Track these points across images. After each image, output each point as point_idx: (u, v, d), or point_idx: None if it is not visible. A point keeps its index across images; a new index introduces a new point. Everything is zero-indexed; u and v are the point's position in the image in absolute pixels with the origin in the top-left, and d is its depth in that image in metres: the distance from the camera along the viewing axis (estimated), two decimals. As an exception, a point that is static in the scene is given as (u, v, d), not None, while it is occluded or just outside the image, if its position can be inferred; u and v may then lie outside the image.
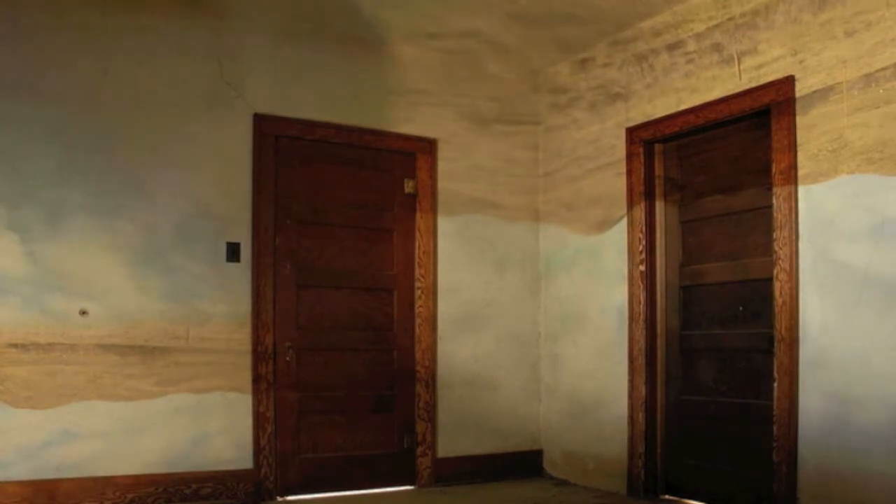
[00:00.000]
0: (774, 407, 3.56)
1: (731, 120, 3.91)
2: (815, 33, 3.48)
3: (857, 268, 3.28)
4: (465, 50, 4.79)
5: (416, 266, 4.74)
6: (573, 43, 4.72)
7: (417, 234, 4.75)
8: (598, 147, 4.70)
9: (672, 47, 4.21)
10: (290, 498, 4.27)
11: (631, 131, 4.45)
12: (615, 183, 4.54)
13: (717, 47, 3.95)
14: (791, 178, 3.54)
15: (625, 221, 4.46)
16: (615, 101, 4.59)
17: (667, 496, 4.26)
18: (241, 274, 4.21)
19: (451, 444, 4.75)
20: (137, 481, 3.89)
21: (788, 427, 3.48)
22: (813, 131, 3.47)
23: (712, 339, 4.08)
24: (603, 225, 4.64)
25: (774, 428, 3.56)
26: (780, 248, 3.58)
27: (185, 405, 4.03)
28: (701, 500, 4.07)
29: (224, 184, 4.20)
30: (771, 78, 3.66)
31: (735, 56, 3.85)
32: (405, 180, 4.74)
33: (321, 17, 4.32)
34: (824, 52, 3.44)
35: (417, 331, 4.71)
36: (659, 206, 4.37)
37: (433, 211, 4.79)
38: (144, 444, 3.93)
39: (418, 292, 4.73)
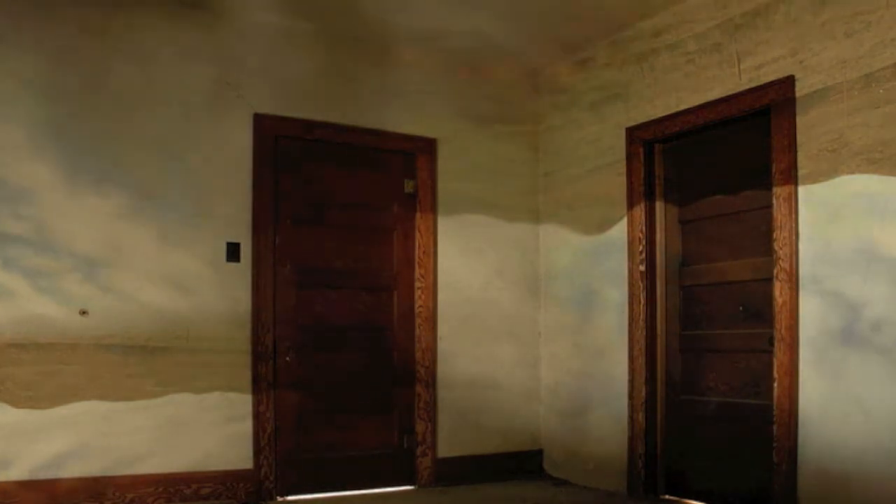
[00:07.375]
0: (774, 407, 3.57)
1: (731, 120, 3.91)
2: (815, 33, 3.48)
3: (858, 268, 3.28)
4: (465, 50, 4.79)
5: (416, 266, 4.74)
6: (573, 43, 4.72)
7: (417, 234, 4.75)
8: (598, 147, 4.70)
9: (672, 47, 4.21)
10: (290, 498, 4.27)
11: (631, 131, 4.45)
12: (615, 183, 4.54)
13: (717, 47, 3.95)
14: (791, 178, 3.54)
15: (625, 221, 4.46)
16: (615, 101, 4.59)
17: (667, 496, 4.26)
18: (241, 274, 4.21)
19: (451, 444, 4.75)
20: (137, 481, 3.89)
21: (788, 427, 3.48)
22: (813, 131, 3.47)
23: (712, 339, 4.08)
24: (603, 225, 4.64)
25: (774, 428, 3.56)
26: (780, 248, 3.58)
27: (185, 405, 4.02)
28: (701, 500, 4.07)
29: (224, 184, 4.20)
30: (771, 78, 3.66)
31: (735, 56, 3.85)
32: (405, 180, 4.74)
33: (321, 17, 4.32)
34: (824, 52, 3.44)
35: (417, 331, 4.71)
36: (659, 206, 4.37)
37: (433, 211, 4.78)
38: (144, 444, 3.93)
39: (418, 292, 4.73)
